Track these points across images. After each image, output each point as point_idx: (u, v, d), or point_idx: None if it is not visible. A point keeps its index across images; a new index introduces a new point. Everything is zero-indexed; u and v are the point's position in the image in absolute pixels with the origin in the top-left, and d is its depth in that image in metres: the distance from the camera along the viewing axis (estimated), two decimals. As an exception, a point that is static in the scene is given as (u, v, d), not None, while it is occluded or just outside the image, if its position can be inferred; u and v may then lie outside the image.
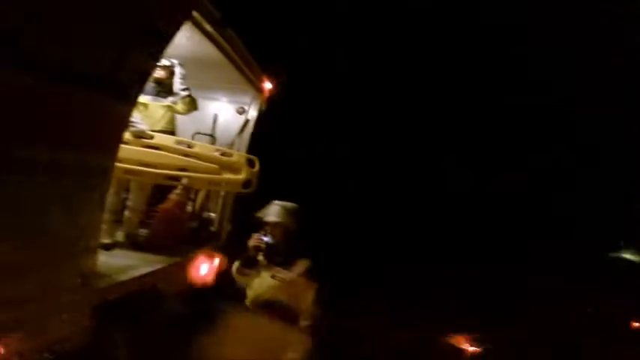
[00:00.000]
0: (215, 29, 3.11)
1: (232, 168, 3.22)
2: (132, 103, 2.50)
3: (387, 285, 7.14)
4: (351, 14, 11.69)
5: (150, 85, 3.47)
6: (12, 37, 1.59)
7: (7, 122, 1.63)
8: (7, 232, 1.72)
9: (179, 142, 3.15)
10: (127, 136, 2.94)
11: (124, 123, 2.49)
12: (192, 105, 3.62)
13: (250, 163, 3.30)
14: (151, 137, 3.08)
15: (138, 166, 2.96)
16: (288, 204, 3.12)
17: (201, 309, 3.49)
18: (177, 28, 2.63)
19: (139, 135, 3.04)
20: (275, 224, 2.96)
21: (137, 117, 3.21)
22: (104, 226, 2.92)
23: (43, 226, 1.91)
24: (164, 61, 3.53)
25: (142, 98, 3.40)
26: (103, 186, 2.34)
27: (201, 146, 3.25)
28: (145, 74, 2.55)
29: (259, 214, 3.10)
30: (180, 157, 3.07)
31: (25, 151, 1.75)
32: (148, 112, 3.51)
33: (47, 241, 1.95)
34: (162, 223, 3.50)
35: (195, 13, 2.79)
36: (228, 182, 3.22)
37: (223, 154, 3.27)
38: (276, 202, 3.12)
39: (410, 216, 10.95)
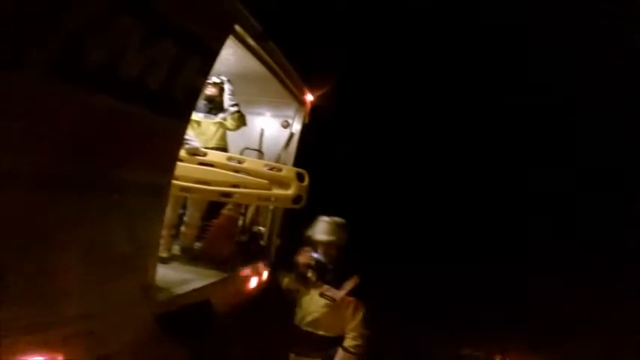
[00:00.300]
0: (257, 43, 3.17)
1: (282, 183, 3.26)
2: (186, 120, 2.56)
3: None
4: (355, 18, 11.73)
5: (201, 102, 3.59)
6: (78, 60, 1.69)
7: (69, 141, 1.72)
8: (72, 248, 1.80)
9: (230, 159, 3.21)
10: (181, 153, 3.13)
11: (180, 140, 2.55)
12: (241, 121, 3.68)
13: (300, 178, 3.30)
14: (205, 154, 3.15)
15: (193, 183, 3.04)
16: (337, 219, 3.05)
17: (250, 323, 3.53)
18: (222, 43, 2.69)
19: (194, 152, 3.12)
20: (326, 243, 2.90)
21: (191, 134, 3.30)
22: (162, 241, 3.05)
23: (106, 242, 1.98)
24: (214, 78, 3.64)
25: (195, 116, 3.52)
26: (161, 202, 2.41)
27: (251, 162, 3.29)
28: (196, 91, 2.61)
29: (309, 233, 3.06)
30: (231, 173, 3.13)
31: (87, 169, 1.85)
32: (200, 129, 3.59)
33: (110, 257, 2.02)
34: (216, 237, 3.59)
35: (237, 28, 2.86)
36: (278, 197, 3.24)
37: (272, 168, 3.31)
38: (324, 217, 3.06)
39: (415, 217, 10.84)
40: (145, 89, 2.12)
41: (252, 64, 3.54)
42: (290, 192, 3.17)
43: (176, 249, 3.50)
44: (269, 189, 3.19)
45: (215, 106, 3.68)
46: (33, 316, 1.65)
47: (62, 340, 1.78)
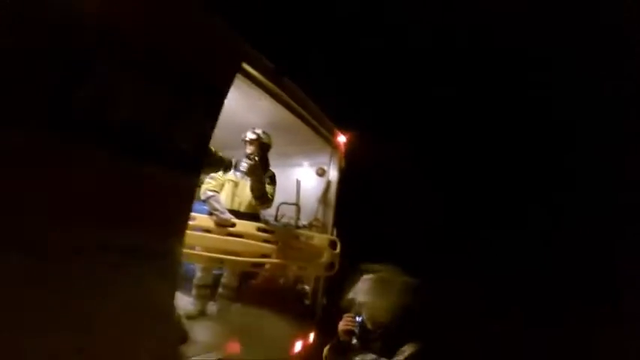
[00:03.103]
0: (270, 80, 2.95)
1: (314, 253, 3.08)
2: (194, 172, 2.33)
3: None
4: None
5: (242, 161, 3.46)
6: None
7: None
8: (73, 319, 1.67)
9: (260, 229, 3.07)
10: (210, 224, 3.06)
11: (190, 198, 2.31)
12: (274, 187, 3.51)
13: (332, 245, 3.08)
14: (233, 225, 3.04)
15: (223, 254, 2.93)
16: (385, 275, 2.79)
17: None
18: (228, 82, 2.52)
19: (223, 224, 3.05)
20: (369, 304, 2.66)
21: (222, 203, 3.21)
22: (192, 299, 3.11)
23: (108, 310, 1.81)
24: (250, 134, 3.44)
25: (233, 175, 3.45)
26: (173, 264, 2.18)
27: (282, 232, 3.10)
28: (204, 137, 2.38)
29: (349, 295, 2.84)
30: (261, 244, 3.00)
31: (85, 233, 1.70)
32: (237, 190, 3.45)
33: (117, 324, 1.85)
34: (254, 298, 3.54)
35: (245, 65, 2.69)
36: (310, 267, 3.09)
37: (299, 236, 3.12)
38: (368, 275, 2.82)
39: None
40: (144, 139, 1.97)
41: (277, 111, 3.31)
42: (322, 260, 3.01)
43: (214, 310, 3.43)
44: (301, 259, 3.07)
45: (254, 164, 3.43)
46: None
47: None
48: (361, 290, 2.67)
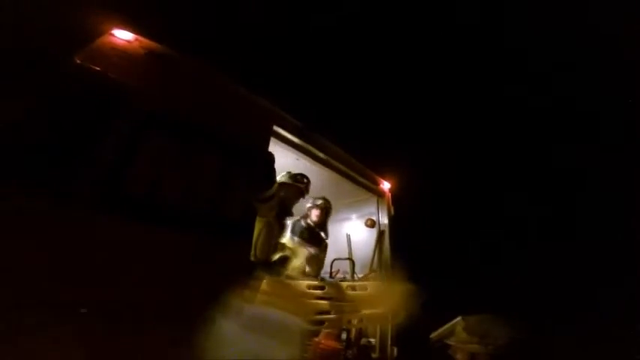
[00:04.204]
0: (299, 137, 3.06)
1: (372, 301, 2.96)
2: (245, 238, 2.38)
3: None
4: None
5: (300, 224, 3.53)
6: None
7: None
8: None
9: (311, 287, 2.99)
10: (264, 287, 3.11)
11: (242, 262, 2.35)
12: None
13: (394, 290, 2.94)
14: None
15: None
16: (480, 317, 2.58)
17: None
18: (264, 146, 2.63)
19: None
20: (463, 350, 2.45)
21: None
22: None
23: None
24: (318, 200, 3.56)
25: (291, 242, 3.49)
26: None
27: (332, 284, 3.04)
28: (250, 204, 2.47)
29: (439, 334, 2.64)
30: (316, 301, 2.91)
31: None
32: (294, 255, 3.41)
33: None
34: (317, 355, 3.39)
35: (276, 127, 2.82)
36: (370, 317, 2.95)
37: (354, 288, 3.00)
38: (462, 317, 2.63)
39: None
40: (195, 211, 2.10)
41: (316, 168, 3.41)
42: (381, 310, 2.87)
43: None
44: (357, 310, 2.96)
45: (312, 233, 3.51)
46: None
47: None
48: (452, 331, 2.52)
